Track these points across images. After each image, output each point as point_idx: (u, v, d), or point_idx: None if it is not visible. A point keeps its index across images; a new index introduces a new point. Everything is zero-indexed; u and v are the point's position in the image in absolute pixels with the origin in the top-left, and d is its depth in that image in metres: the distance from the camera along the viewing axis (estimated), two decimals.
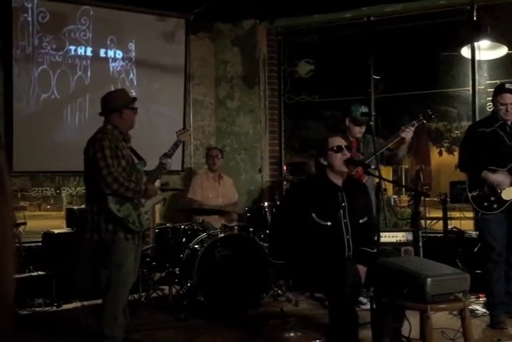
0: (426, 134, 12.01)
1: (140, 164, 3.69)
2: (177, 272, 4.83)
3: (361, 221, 3.49)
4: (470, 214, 4.53)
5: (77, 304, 4.83)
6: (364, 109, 4.67)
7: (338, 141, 3.49)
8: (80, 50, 5.66)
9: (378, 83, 6.23)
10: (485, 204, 4.08)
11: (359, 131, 4.66)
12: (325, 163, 3.47)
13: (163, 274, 5.09)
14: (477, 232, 4.44)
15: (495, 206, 4.05)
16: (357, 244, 3.45)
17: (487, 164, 4.07)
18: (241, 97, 6.63)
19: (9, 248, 1.19)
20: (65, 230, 5.39)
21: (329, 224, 3.37)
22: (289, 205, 3.59)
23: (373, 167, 4.09)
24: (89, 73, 5.64)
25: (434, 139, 12.35)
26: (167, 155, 3.86)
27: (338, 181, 3.47)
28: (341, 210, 3.42)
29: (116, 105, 3.60)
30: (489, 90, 5.78)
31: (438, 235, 5.57)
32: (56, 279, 4.91)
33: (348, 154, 3.44)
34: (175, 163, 5.49)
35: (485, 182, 4.07)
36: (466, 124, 6.42)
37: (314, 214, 3.35)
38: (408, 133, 4.37)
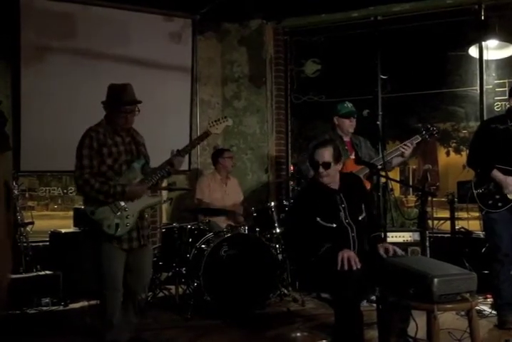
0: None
1: (137, 163, 3.49)
2: (184, 272, 4.84)
3: (360, 218, 3.54)
4: (478, 214, 4.51)
5: (84, 303, 4.85)
6: (350, 104, 4.69)
7: (320, 155, 3.48)
8: (88, 50, 5.67)
9: (385, 83, 6.21)
10: (489, 201, 4.07)
11: (349, 124, 4.64)
12: (313, 173, 3.61)
13: (170, 274, 5.09)
14: (484, 232, 4.42)
15: (499, 204, 4.03)
16: (362, 239, 3.51)
17: (496, 162, 4.05)
18: (248, 97, 6.64)
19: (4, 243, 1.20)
20: (72, 230, 5.41)
21: (334, 225, 3.45)
22: (295, 213, 3.66)
23: (379, 167, 4.10)
24: (97, 73, 5.65)
25: (442, 139, 12.29)
26: (181, 152, 3.59)
27: (333, 185, 3.55)
28: (342, 212, 3.48)
29: (106, 102, 3.47)
30: (497, 89, 5.77)
31: (446, 235, 5.55)
32: (63, 278, 4.94)
33: (325, 172, 3.45)
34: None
35: (492, 180, 4.05)
36: (473, 124, 6.40)
37: (318, 218, 3.44)
38: (408, 149, 4.42)
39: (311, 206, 3.46)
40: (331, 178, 3.52)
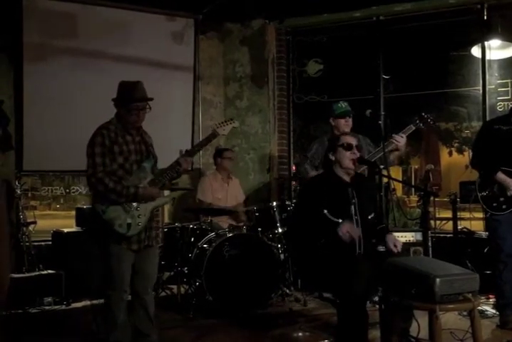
0: (436, 134, 11.97)
1: (146, 163, 3.43)
2: (186, 271, 4.84)
3: (369, 217, 3.52)
4: (480, 215, 4.51)
5: (86, 303, 4.85)
6: (344, 104, 4.61)
7: (350, 139, 3.55)
8: (90, 50, 5.68)
9: (387, 83, 6.21)
10: (494, 204, 4.07)
11: (344, 124, 4.54)
12: (333, 158, 3.53)
13: (172, 273, 5.10)
14: (487, 233, 4.42)
15: (504, 206, 4.04)
16: (367, 239, 3.47)
17: (500, 164, 4.05)
18: (250, 97, 6.64)
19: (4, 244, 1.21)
20: (74, 229, 5.41)
21: (340, 220, 3.39)
22: (302, 204, 3.62)
23: (381, 167, 4.09)
24: (99, 73, 5.65)
25: (444, 139, 12.28)
26: (189, 153, 3.53)
27: (346, 177, 3.53)
28: (352, 206, 3.44)
29: (117, 99, 3.42)
30: (499, 89, 5.76)
31: (448, 235, 5.54)
32: (65, 278, 4.94)
33: (357, 154, 3.50)
34: None
35: (496, 182, 4.05)
36: (476, 124, 6.39)
37: (325, 211, 3.39)
38: (400, 140, 4.28)
39: (320, 199, 3.41)
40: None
